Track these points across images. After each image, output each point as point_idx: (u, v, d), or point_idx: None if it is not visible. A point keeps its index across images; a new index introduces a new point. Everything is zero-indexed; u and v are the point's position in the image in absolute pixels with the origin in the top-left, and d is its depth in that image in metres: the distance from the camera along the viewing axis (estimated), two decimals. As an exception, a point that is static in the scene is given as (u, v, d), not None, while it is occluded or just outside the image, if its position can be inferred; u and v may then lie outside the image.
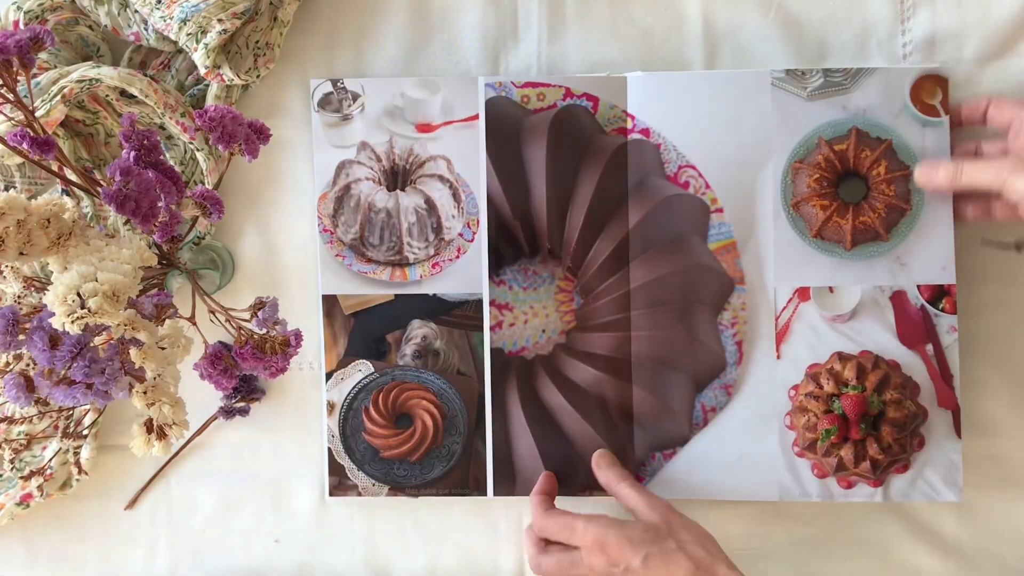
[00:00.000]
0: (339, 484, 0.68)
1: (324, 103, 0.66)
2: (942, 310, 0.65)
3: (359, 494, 0.68)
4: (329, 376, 0.68)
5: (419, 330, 0.67)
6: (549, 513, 0.61)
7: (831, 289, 0.65)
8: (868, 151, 0.65)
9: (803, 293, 0.66)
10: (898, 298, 0.65)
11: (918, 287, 0.65)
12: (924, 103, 0.64)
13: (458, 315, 0.67)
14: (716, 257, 0.66)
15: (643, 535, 0.57)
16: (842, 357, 0.65)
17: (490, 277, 0.67)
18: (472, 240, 0.67)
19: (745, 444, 0.66)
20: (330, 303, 0.67)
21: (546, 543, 0.61)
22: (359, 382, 0.68)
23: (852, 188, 0.66)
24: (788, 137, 0.65)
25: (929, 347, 0.65)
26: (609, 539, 0.56)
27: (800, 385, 0.65)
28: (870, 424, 0.63)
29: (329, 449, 0.68)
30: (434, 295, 0.67)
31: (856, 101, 0.65)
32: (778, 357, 0.66)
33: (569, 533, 0.59)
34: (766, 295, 0.66)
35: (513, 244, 0.67)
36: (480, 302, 0.67)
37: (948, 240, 0.64)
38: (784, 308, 0.66)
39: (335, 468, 0.68)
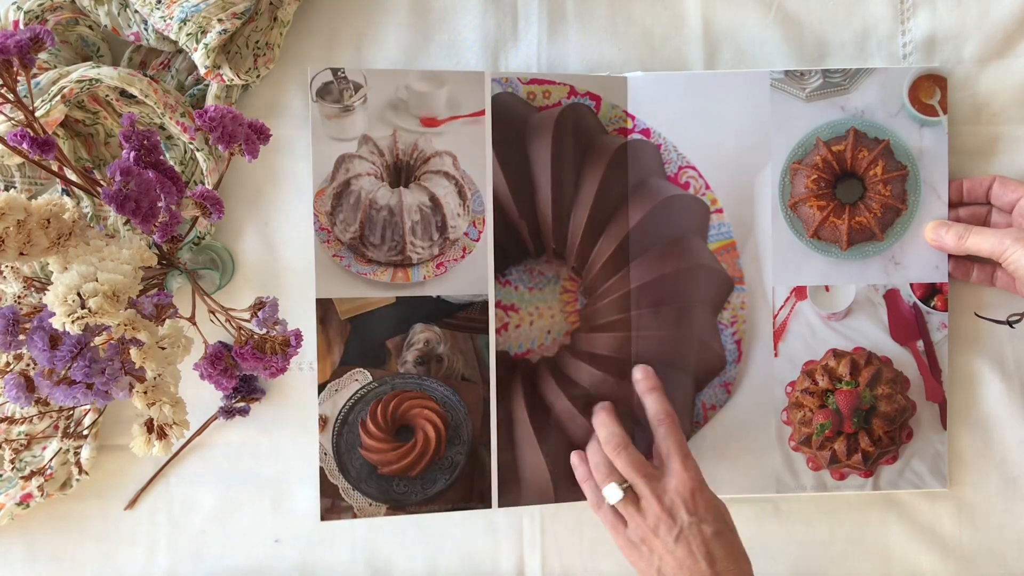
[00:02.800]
0: (332, 507, 0.63)
1: (323, 93, 0.63)
2: (934, 307, 0.66)
3: (354, 516, 0.64)
4: (322, 388, 0.64)
5: (421, 335, 0.65)
6: (675, 417, 0.62)
7: (827, 288, 0.67)
8: (865, 151, 0.65)
9: (800, 292, 0.67)
10: (891, 296, 0.66)
11: (911, 285, 0.66)
12: (922, 103, 0.65)
13: (463, 318, 0.65)
14: (716, 257, 0.66)
15: (726, 513, 0.58)
16: (836, 354, 0.66)
17: (496, 278, 0.65)
18: (478, 240, 0.65)
19: (744, 440, 0.67)
20: (325, 307, 0.63)
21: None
22: (355, 393, 0.64)
23: (849, 189, 0.66)
24: (786, 138, 0.66)
25: (920, 343, 0.67)
26: (705, 493, 0.58)
27: (796, 382, 0.67)
28: (862, 418, 0.65)
29: (321, 468, 0.64)
30: (438, 297, 0.65)
31: (854, 102, 0.65)
32: (776, 355, 0.67)
33: (681, 451, 0.59)
34: (764, 294, 0.66)
35: (519, 244, 0.66)
36: (485, 304, 0.65)
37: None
38: (782, 307, 0.67)
39: (328, 489, 0.63)
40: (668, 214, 0.66)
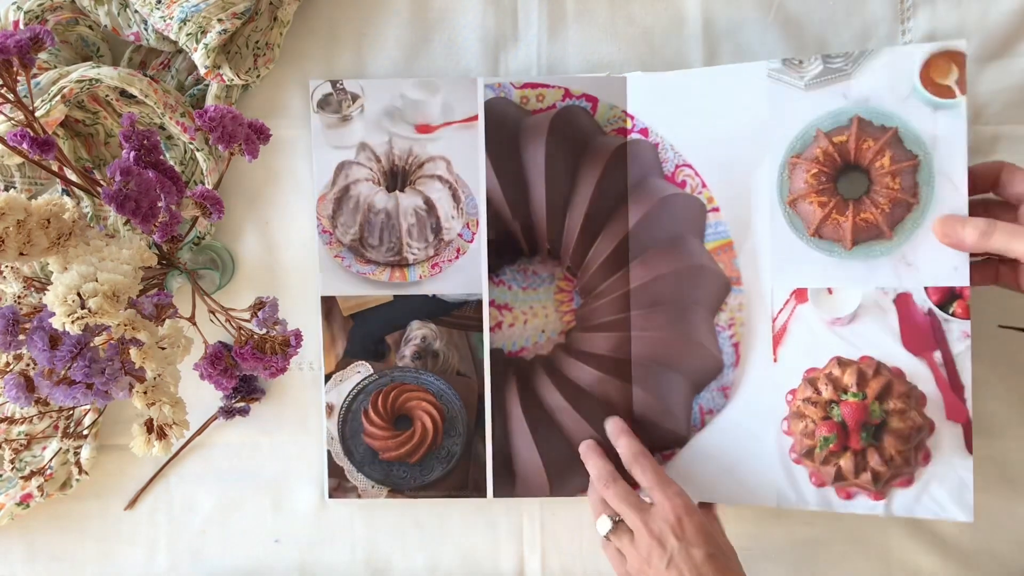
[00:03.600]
0: (338, 486, 0.68)
1: (323, 104, 0.66)
2: (952, 314, 0.59)
3: (359, 496, 0.68)
4: (328, 378, 0.68)
5: (418, 331, 0.67)
6: (652, 460, 0.61)
7: (829, 290, 0.62)
8: (871, 141, 0.60)
9: (801, 294, 0.62)
10: (903, 301, 0.60)
11: (926, 289, 0.59)
12: (936, 84, 0.58)
13: (458, 316, 0.67)
14: (713, 257, 0.65)
15: (720, 536, 0.57)
16: (841, 362, 0.61)
17: (489, 277, 0.67)
18: (472, 240, 0.67)
19: (742, 448, 0.64)
20: (329, 304, 0.67)
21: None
22: (358, 384, 0.67)
23: (852, 183, 0.61)
24: (784, 131, 0.62)
25: (937, 354, 0.59)
26: (693, 518, 0.56)
27: (798, 390, 0.62)
28: (871, 434, 0.60)
29: (328, 451, 0.68)
30: (433, 296, 0.67)
31: (858, 88, 0.60)
32: (775, 360, 0.63)
33: (661, 483, 0.58)
34: (763, 296, 0.63)
35: (512, 244, 0.67)
36: (480, 302, 0.67)
37: None
38: (781, 310, 0.63)
39: (334, 470, 0.68)
40: (665, 214, 0.65)
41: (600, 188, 0.66)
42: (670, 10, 0.68)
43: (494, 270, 0.67)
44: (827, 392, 0.61)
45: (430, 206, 0.66)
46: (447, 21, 0.68)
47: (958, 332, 0.59)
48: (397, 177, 0.67)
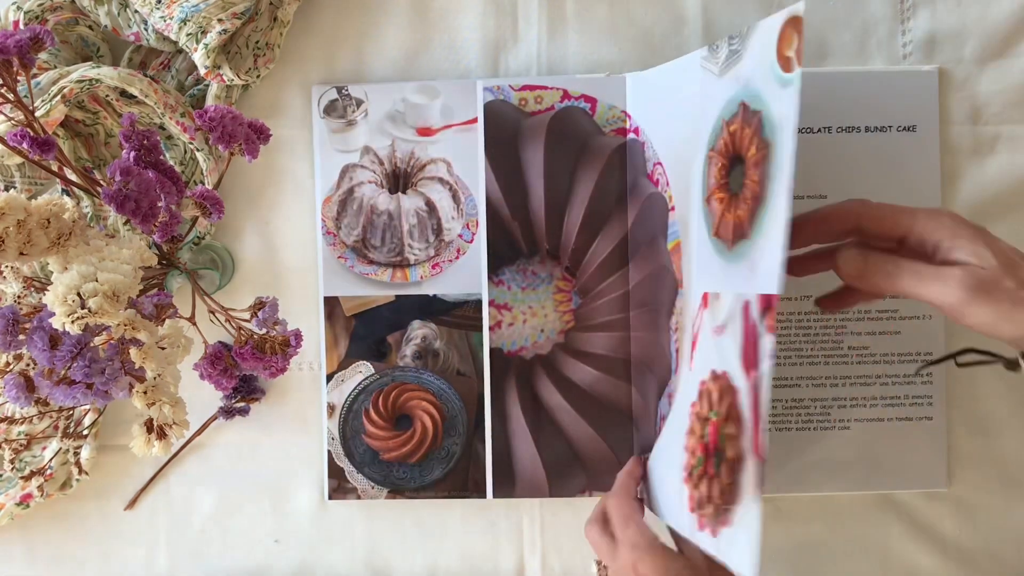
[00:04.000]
0: (339, 487, 0.68)
1: (329, 109, 0.67)
2: (767, 328, 0.47)
3: (359, 497, 0.68)
4: (330, 378, 0.68)
5: (419, 331, 0.68)
6: (623, 496, 0.58)
7: (718, 295, 0.53)
8: (748, 129, 0.51)
9: (706, 299, 0.55)
10: (745, 310, 0.49)
11: (758, 297, 0.48)
12: (784, 57, 0.48)
13: (458, 315, 0.67)
14: (671, 258, 0.62)
15: (694, 558, 0.53)
16: (714, 376, 0.52)
17: (489, 277, 0.67)
18: (471, 241, 0.67)
19: (669, 463, 0.58)
20: (332, 305, 0.68)
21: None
22: (359, 383, 0.68)
23: (737, 176, 0.52)
24: (708, 122, 0.55)
25: (755, 374, 0.48)
26: (645, 562, 0.52)
27: (696, 402, 0.54)
28: (719, 460, 0.50)
29: (329, 452, 0.68)
30: (434, 296, 0.67)
31: (744, 69, 0.52)
32: (691, 368, 0.56)
33: (621, 525, 0.56)
34: (690, 300, 0.58)
35: (512, 244, 0.67)
36: (479, 302, 0.67)
37: (778, 237, 0.46)
38: (697, 315, 0.56)
39: (335, 471, 0.68)
40: (648, 214, 0.65)
41: (598, 188, 0.66)
42: (670, 10, 0.68)
43: (493, 270, 0.67)
44: (704, 407, 0.53)
45: (431, 207, 0.67)
46: (447, 21, 0.68)
47: (767, 350, 0.46)
48: (399, 179, 0.67)
